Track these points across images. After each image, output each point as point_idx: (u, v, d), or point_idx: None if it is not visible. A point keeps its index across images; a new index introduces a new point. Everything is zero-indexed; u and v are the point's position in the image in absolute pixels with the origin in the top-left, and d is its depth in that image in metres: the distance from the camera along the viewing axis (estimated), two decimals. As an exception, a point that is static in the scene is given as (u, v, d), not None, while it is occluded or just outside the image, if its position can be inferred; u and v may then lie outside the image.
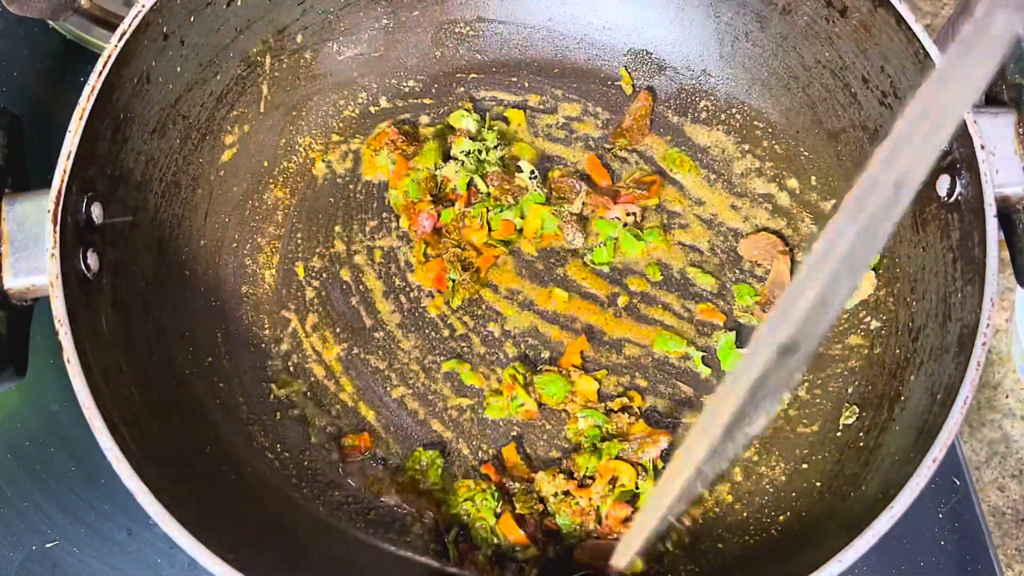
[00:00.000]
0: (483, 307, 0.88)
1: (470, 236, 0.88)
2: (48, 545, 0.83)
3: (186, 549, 0.59)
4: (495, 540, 0.77)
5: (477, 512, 0.78)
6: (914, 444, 0.67)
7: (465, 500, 0.78)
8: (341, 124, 0.94)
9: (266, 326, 0.85)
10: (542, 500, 0.78)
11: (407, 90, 0.96)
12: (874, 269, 0.83)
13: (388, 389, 0.84)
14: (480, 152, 0.90)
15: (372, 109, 0.94)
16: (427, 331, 0.86)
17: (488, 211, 0.88)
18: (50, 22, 0.99)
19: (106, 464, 0.60)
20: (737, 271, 0.89)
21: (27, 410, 0.88)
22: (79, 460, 0.86)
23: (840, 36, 0.82)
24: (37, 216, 0.67)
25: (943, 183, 0.74)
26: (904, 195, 0.48)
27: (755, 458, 0.82)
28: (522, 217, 0.89)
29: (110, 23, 0.96)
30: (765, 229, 0.90)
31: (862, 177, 0.48)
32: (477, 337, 0.86)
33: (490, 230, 0.88)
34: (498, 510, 0.77)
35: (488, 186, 0.89)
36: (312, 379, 0.84)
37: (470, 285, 0.86)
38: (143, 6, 0.72)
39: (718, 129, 0.94)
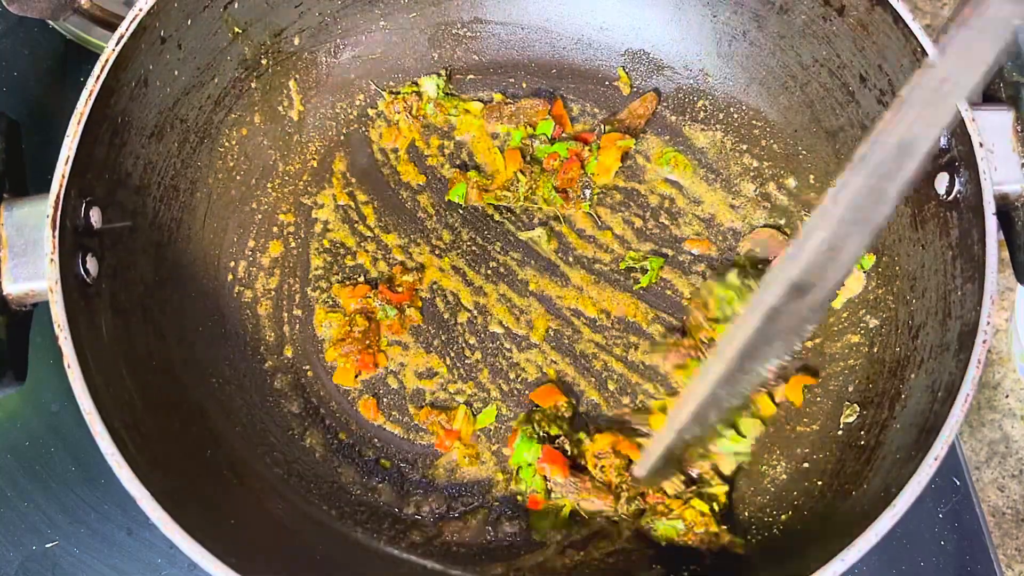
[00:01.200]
0: (486, 316, 0.88)
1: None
2: (48, 545, 0.83)
3: (188, 554, 0.59)
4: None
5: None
6: (915, 442, 0.67)
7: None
8: (339, 126, 0.94)
9: (267, 329, 0.86)
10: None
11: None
12: (872, 268, 0.83)
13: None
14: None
15: (370, 111, 0.94)
16: (428, 327, 0.87)
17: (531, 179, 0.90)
18: (50, 22, 0.99)
19: (106, 464, 0.60)
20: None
21: (27, 410, 0.88)
22: (79, 460, 0.86)
23: (838, 35, 0.82)
24: (36, 221, 0.67)
25: (942, 181, 0.74)
26: (909, 157, 0.54)
27: (756, 457, 0.82)
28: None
29: (110, 23, 0.96)
30: (764, 226, 0.91)
31: (869, 136, 0.53)
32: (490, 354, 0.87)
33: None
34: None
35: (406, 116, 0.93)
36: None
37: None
38: (140, 10, 0.72)
39: (716, 129, 0.94)
